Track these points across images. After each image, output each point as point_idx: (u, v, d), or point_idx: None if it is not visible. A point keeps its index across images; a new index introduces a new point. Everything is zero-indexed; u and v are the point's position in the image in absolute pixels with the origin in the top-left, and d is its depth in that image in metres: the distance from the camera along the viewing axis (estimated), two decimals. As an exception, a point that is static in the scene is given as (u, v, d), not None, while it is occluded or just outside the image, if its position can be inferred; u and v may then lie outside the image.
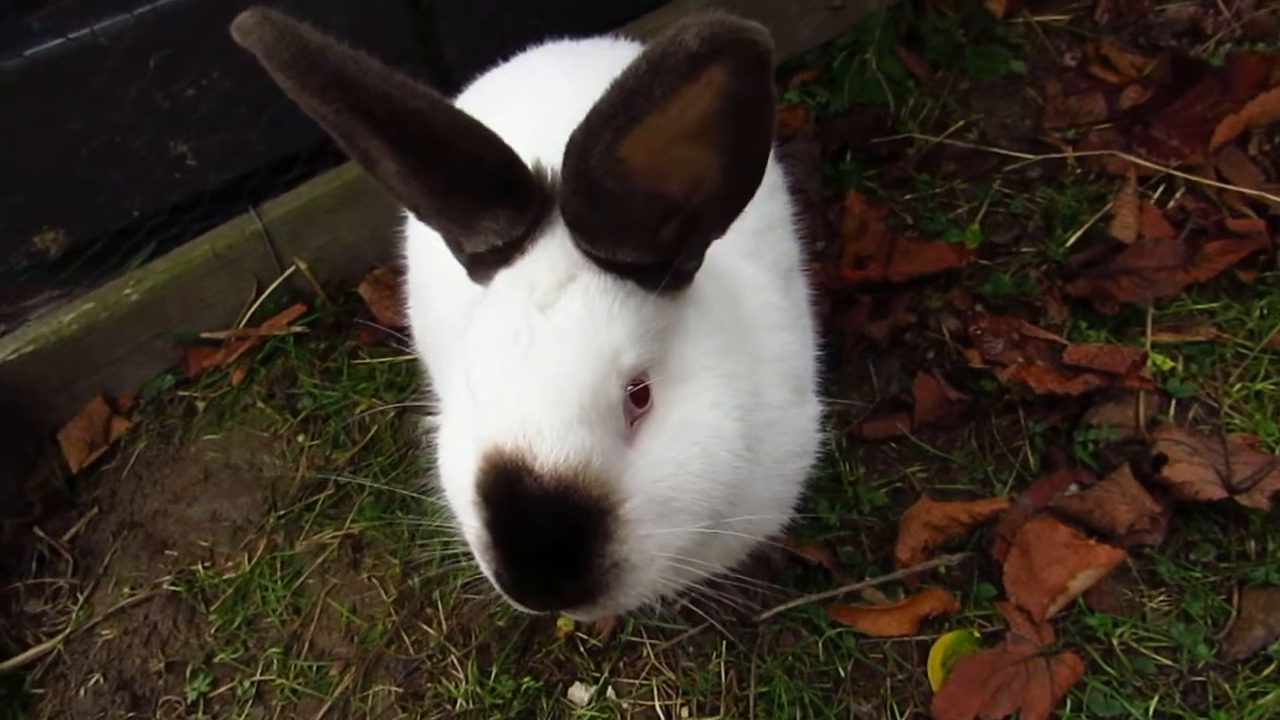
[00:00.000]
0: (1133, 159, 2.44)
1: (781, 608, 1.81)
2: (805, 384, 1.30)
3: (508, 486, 0.95)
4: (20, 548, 2.23)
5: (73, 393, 2.38)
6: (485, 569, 1.03)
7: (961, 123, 2.73)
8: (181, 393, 2.45)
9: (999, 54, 2.86)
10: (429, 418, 1.38)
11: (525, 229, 1.05)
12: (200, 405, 2.43)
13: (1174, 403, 2.00)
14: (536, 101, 1.50)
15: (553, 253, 1.04)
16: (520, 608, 1.02)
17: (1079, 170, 2.53)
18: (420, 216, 1.08)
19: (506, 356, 1.00)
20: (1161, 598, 1.74)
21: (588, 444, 0.96)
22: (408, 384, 2.34)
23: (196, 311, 2.44)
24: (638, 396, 1.02)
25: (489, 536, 0.99)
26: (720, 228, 1.06)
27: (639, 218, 0.99)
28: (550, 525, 0.95)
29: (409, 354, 2.38)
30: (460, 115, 0.97)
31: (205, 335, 2.46)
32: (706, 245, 1.08)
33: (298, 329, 2.47)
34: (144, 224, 2.43)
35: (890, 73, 2.89)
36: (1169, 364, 2.05)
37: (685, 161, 0.94)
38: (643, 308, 1.03)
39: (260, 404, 2.40)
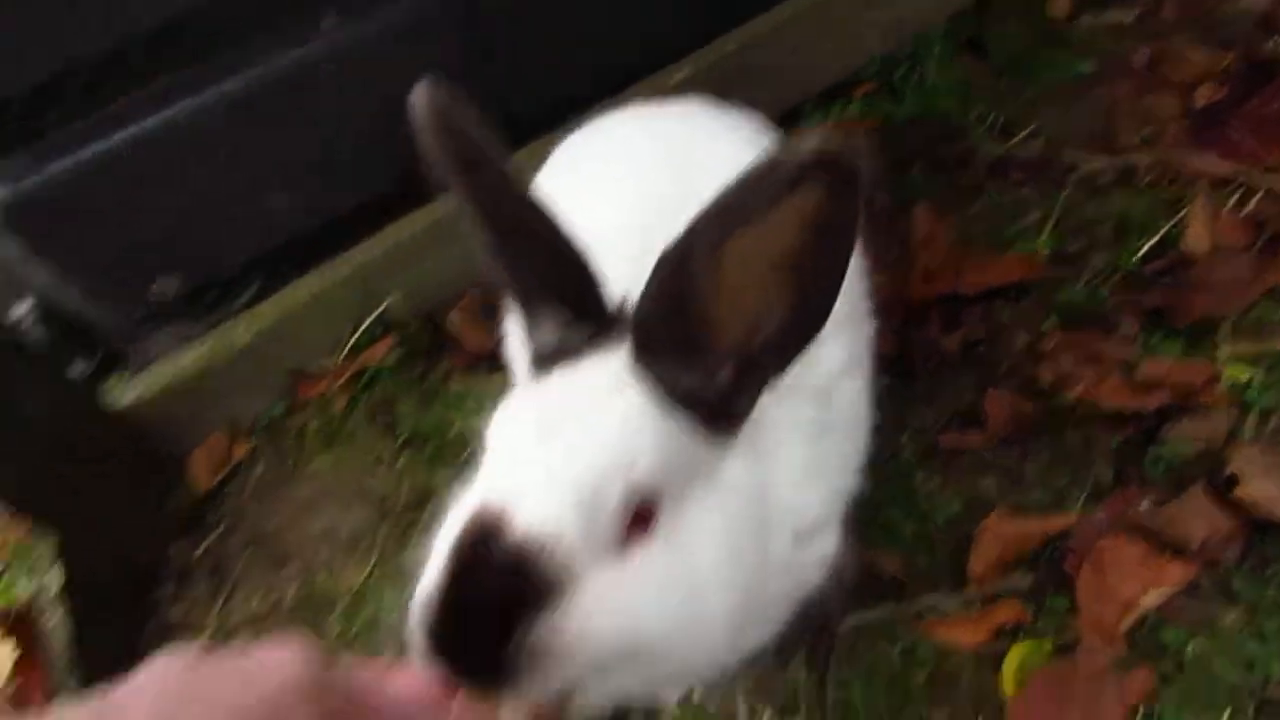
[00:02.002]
0: (1206, 164, 2.42)
1: (857, 618, 1.90)
2: (822, 526, 1.27)
3: (474, 543, 0.91)
4: (160, 564, 2.46)
5: (197, 425, 2.59)
6: (411, 626, 0.93)
7: (1029, 129, 2.74)
8: (293, 420, 2.65)
9: (1065, 57, 2.85)
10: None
11: (582, 340, 1.09)
12: (310, 431, 2.62)
13: (1253, 415, 2.01)
14: (614, 166, 1.59)
15: (608, 367, 1.06)
16: (429, 670, 0.91)
17: (1152, 175, 2.52)
18: (501, 284, 1.14)
19: (525, 434, 1.00)
20: (1236, 614, 1.77)
21: (568, 522, 0.92)
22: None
23: (301, 346, 2.63)
24: (641, 522, 0.99)
25: (432, 589, 0.91)
26: (779, 368, 1.06)
27: (709, 344, 1.01)
28: (494, 582, 0.89)
29: (499, 375, 2.53)
30: (551, 226, 1.06)
31: (309, 369, 2.65)
32: (762, 388, 1.09)
33: (393, 359, 2.64)
34: (250, 269, 2.62)
35: (954, 81, 2.91)
36: (1245, 375, 2.05)
37: (761, 287, 0.96)
38: (675, 440, 1.02)
39: (364, 428, 2.58)
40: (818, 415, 1.30)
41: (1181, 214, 2.34)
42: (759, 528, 1.13)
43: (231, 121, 2.32)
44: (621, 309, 1.12)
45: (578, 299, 1.10)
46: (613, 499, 0.95)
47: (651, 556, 0.98)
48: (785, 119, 2.94)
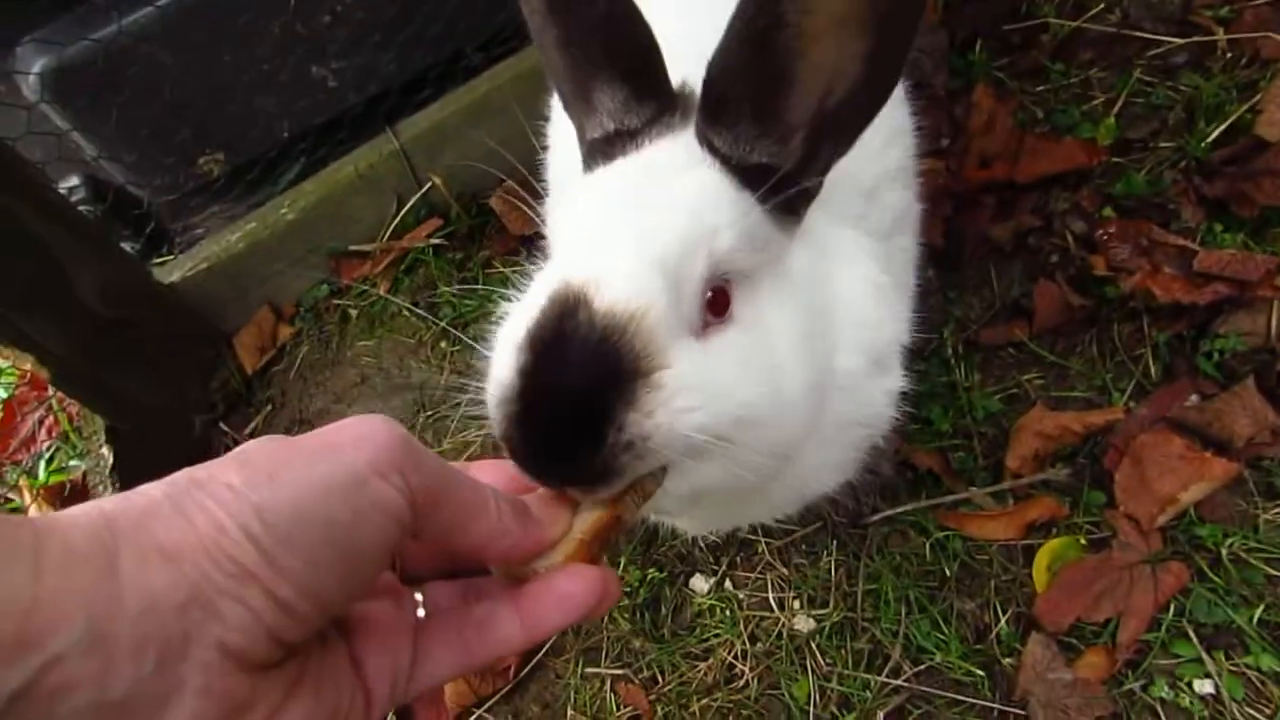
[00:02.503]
0: (1290, 41, 2.27)
1: (891, 511, 1.90)
2: (887, 357, 1.24)
3: (558, 324, 0.85)
4: (209, 441, 2.54)
5: (243, 303, 2.64)
6: (496, 428, 0.88)
7: (1103, 4, 2.58)
8: (336, 302, 2.68)
9: (1148, -75, 2.66)
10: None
11: (642, 122, 1.06)
12: (353, 313, 2.65)
13: (1312, 309, 1.94)
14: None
15: (675, 150, 1.04)
16: (526, 475, 0.85)
17: (1230, 55, 2.37)
18: (551, 75, 1.11)
19: (604, 214, 0.97)
20: (1276, 510, 1.74)
21: (653, 292, 0.87)
22: (539, 292, 2.49)
23: (345, 226, 2.63)
24: (717, 305, 0.96)
25: (515, 383, 0.85)
26: (849, 138, 1.04)
27: (783, 105, 0.98)
28: (578, 369, 0.84)
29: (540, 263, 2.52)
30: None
31: (353, 249, 2.66)
32: (833, 160, 1.06)
33: (436, 241, 2.63)
34: (293, 146, 2.61)
35: (1026, -50, 2.74)
36: (1310, 267, 1.96)
37: (832, 48, 0.93)
38: (751, 212, 1.00)
39: (405, 312, 2.60)
40: (873, 219, 1.31)
41: (1257, 98, 2.20)
42: (827, 322, 1.12)
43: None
44: (684, 89, 1.08)
45: (639, 73, 1.05)
46: (696, 273, 0.93)
47: (731, 338, 0.96)
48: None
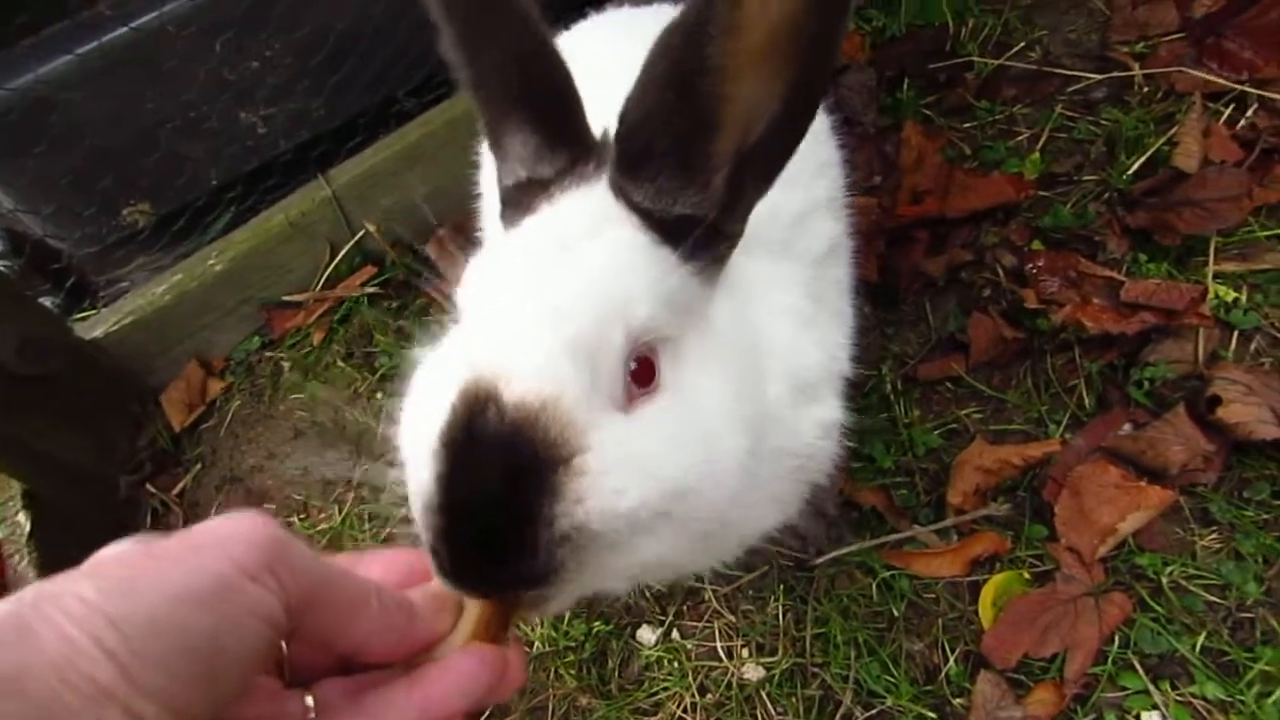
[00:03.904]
0: (1201, 75, 2.34)
1: (837, 552, 1.89)
2: (815, 385, 1.20)
3: (468, 423, 0.80)
4: (136, 502, 2.45)
5: (170, 357, 2.56)
6: (423, 539, 0.83)
7: (1024, 43, 2.65)
8: (268, 354, 2.61)
9: (1063, -35, 2.75)
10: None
11: (555, 171, 1.00)
12: (286, 365, 2.58)
13: (1236, 335, 1.98)
14: (595, 76, 1.50)
15: (588, 205, 0.98)
16: (459, 591, 0.81)
17: (1146, 89, 2.44)
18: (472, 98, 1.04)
19: (509, 286, 0.90)
20: (1213, 536, 1.76)
21: (565, 376, 0.82)
22: (476, 339, 2.45)
23: (276, 276, 2.57)
24: (642, 375, 0.91)
25: (434, 492, 0.80)
26: (770, 176, 1.00)
27: (708, 154, 0.94)
28: (493, 470, 0.79)
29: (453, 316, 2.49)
30: (544, 37, 0.97)
31: (286, 299, 2.60)
32: (754, 202, 1.02)
33: (371, 289, 2.59)
34: (222, 195, 2.56)
35: (950, -10, 2.81)
36: (1232, 295, 2.01)
37: (753, 85, 0.90)
38: (670, 275, 0.95)
39: (341, 363, 2.54)
40: (795, 264, 1.27)
41: (1173, 130, 2.27)
42: (756, 371, 1.07)
43: (201, 32, 2.24)
44: (605, 138, 1.02)
45: (552, 118, 0.99)
46: (614, 347, 0.87)
47: (659, 407, 0.90)
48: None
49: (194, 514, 2.39)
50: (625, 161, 0.96)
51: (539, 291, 0.87)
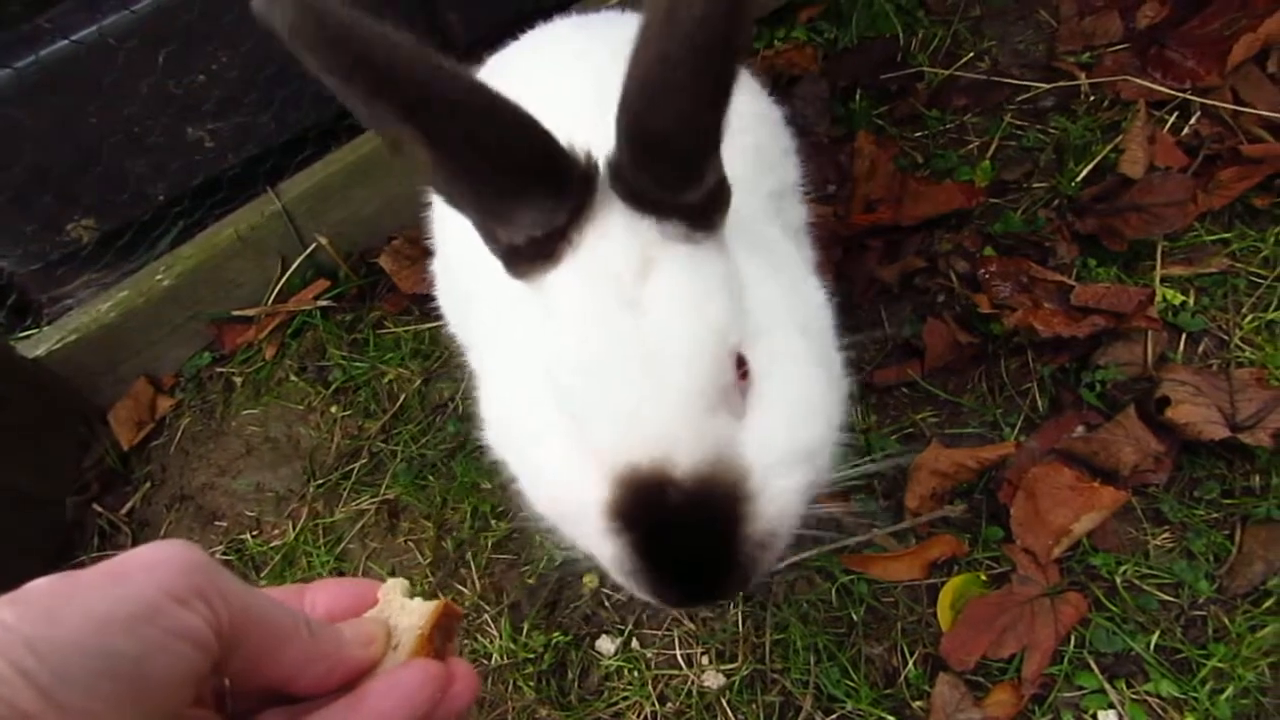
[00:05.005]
0: (1146, 83, 2.39)
1: (796, 558, 1.88)
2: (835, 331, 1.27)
3: (651, 506, 0.90)
4: (83, 523, 2.38)
5: (117, 375, 2.50)
6: (633, 585, 0.97)
7: (973, 53, 2.68)
8: (219, 370, 2.56)
9: (1011, -25, 2.79)
10: (482, 414, 1.29)
11: (568, 216, 0.98)
12: (238, 381, 2.53)
13: (1184, 337, 2.01)
14: (551, 84, 1.49)
15: (617, 238, 0.97)
16: (678, 610, 1.03)
17: (1093, 98, 2.48)
18: (453, 204, 1.00)
19: (612, 366, 0.93)
20: (1165, 535, 1.78)
21: (720, 436, 0.92)
22: (432, 352, 2.43)
23: (226, 291, 2.53)
24: (740, 374, 0.99)
25: (638, 560, 0.93)
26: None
27: (714, 124, 0.93)
28: (701, 530, 0.91)
29: (432, 322, 2.46)
30: (497, 98, 0.90)
31: (237, 313, 2.56)
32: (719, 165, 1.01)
33: (324, 303, 2.55)
34: (169, 209, 2.51)
35: (900, 2, 2.84)
36: (1179, 298, 2.05)
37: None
38: (719, 265, 1.00)
39: (293, 377, 2.50)
40: (786, 217, 1.41)
41: (1119, 138, 2.31)
42: (799, 301, 1.15)
43: (145, 44, 2.19)
44: (588, 160, 0.99)
45: (550, 174, 0.96)
46: (728, 378, 0.95)
47: (762, 390, 0.99)
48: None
49: (143, 534, 2.33)
50: (642, 162, 0.95)
51: (651, 369, 0.92)
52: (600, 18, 1.79)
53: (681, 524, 0.91)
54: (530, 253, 0.99)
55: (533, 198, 0.96)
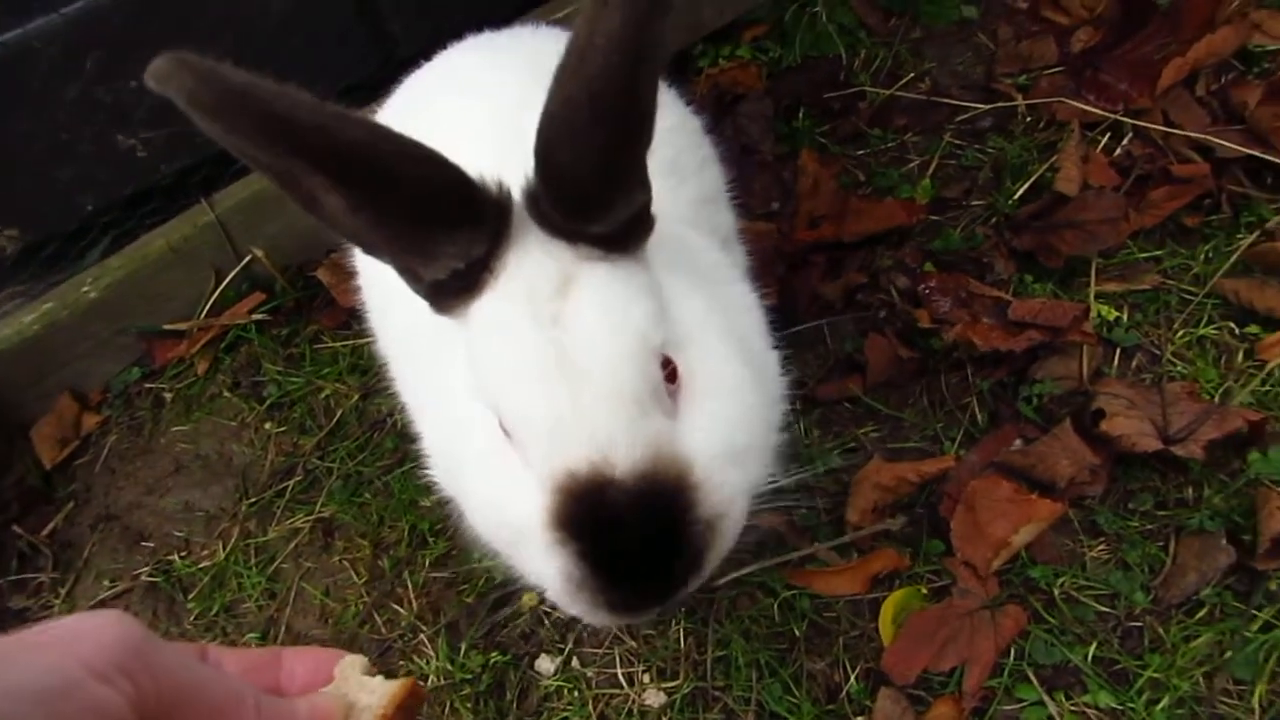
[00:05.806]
0: (1080, 105, 2.44)
1: (737, 573, 1.86)
2: (766, 333, 1.30)
3: (594, 507, 0.92)
4: (1, 546, 2.28)
5: (41, 390, 2.41)
6: (576, 603, 0.97)
7: (913, 74, 2.72)
8: (149, 385, 2.49)
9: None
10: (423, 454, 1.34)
11: (486, 246, 1.00)
12: (168, 397, 2.46)
13: (1118, 352, 2.04)
14: (463, 100, 1.50)
15: (535, 260, 1.00)
16: (629, 620, 1.01)
17: (1029, 118, 2.53)
18: (370, 251, 1.01)
19: (542, 382, 0.95)
20: (1101, 547, 1.80)
21: (656, 434, 0.94)
22: (370, 367, 2.37)
23: (157, 305, 2.45)
24: (668, 375, 1.01)
25: (585, 568, 0.93)
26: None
27: (632, 156, 0.98)
28: (647, 519, 0.92)
29: (370, 337, 2.41)
30: (403, 141, 0.91)
31: (168, 327, 2.48)
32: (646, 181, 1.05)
33: (259, 316, 2.49)
34: (98, 220, 2.43)
35: (843, 23, 2.87)
36: (1113, 314, 2.08)
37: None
38: (638, 277, 1.02)
39: (227, 393, 2.43)
40: (711, 223, 1.46)
41: (1055, 157, 2.35)
42: (726, 309, 1.18)
43: (72, 49, 2.12)
44: (500, 188, 1.01)
45: (465, 208, 0.97)
46: (656, 378, 0.98)
47: (692, 390, 1.02)
48: (674, 62, 2.86)
49: (65, 555, 2.24)
50: (551, 193, 0.98)
51: (579, 379, 0.94)
52: (505, 36, 1.81)
53: (626, 520, 0.92)
54: (454, 286, 1.02)
55: (450, 232, 0.99)
